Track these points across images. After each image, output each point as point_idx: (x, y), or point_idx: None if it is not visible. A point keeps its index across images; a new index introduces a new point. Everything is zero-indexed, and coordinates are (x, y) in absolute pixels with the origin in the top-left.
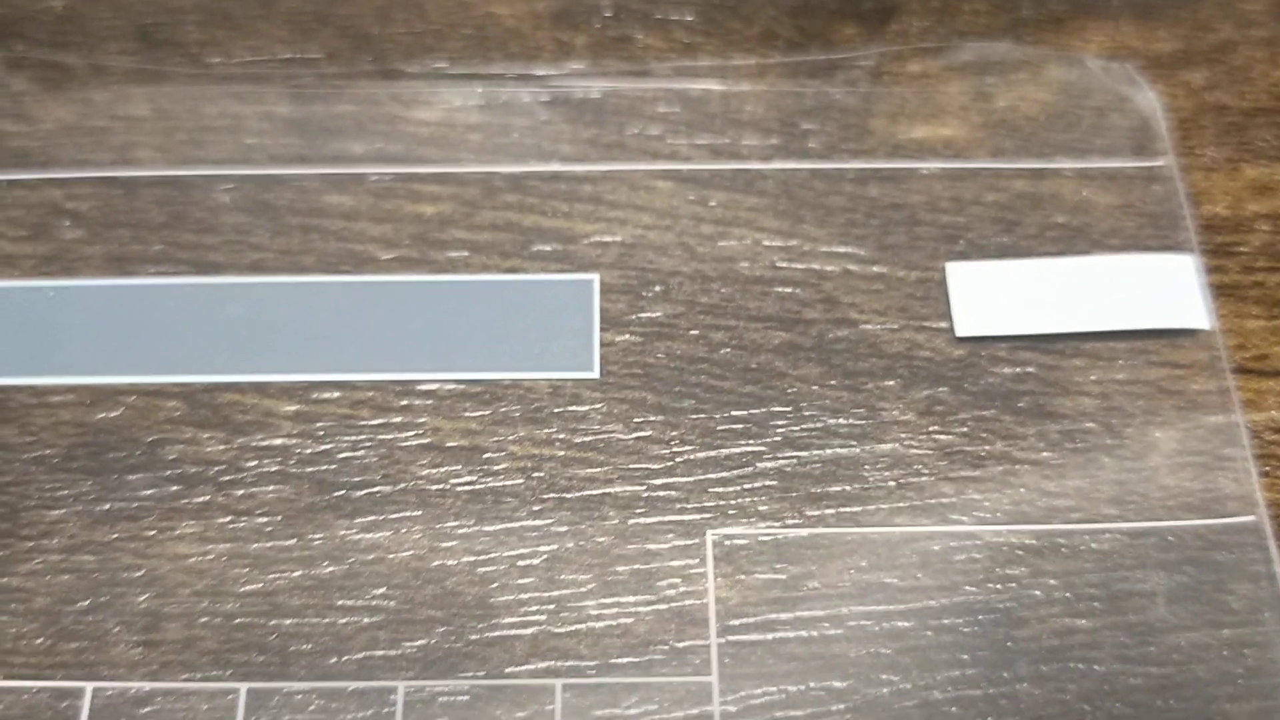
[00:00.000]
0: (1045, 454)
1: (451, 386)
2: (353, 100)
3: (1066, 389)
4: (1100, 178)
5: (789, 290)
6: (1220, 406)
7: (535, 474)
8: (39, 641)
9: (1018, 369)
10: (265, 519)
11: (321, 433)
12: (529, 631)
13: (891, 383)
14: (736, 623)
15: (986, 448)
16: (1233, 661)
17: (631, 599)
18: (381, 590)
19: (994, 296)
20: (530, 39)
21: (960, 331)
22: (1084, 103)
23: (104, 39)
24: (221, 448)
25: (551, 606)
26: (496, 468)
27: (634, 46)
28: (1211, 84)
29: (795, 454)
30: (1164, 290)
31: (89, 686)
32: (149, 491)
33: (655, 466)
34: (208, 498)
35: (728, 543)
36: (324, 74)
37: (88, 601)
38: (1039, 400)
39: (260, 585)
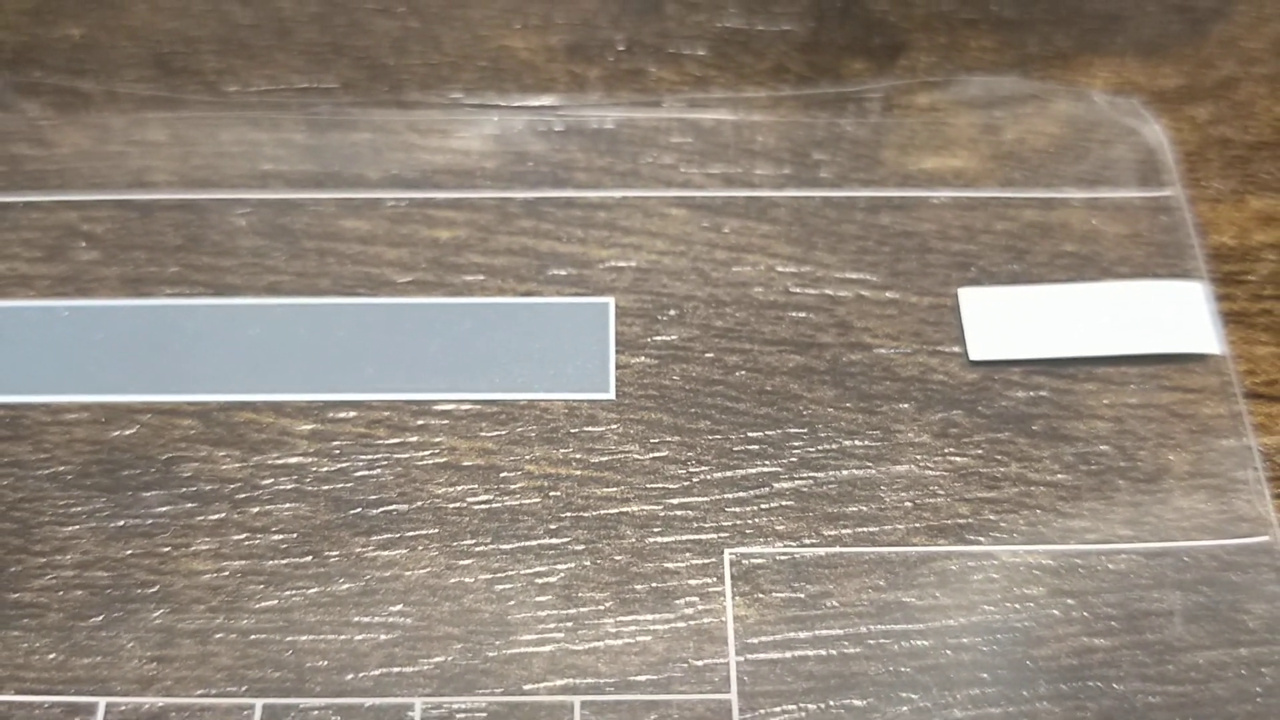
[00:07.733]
0: (1060, 476)
1: (468, 407)
2: (369, 128)
3: (1080, 412)
4: (1109, 208)
5: (803, 315)
6: (1232, 430)
7: (552, 493)
8: (51, 657)
9: (1031, 393)
10: (281, 536)
11: (338, 451)
12: (547, 649)
13: (906, 405)
14: (755, 641)
15: (1002, 469)
16: (1250, 680)
17: (650, 617)
18: (398, 607)
19: (1007, 321)
20: (544, 71)
21: (974, 355)
22: (1091, 136)
23: (121, 67)
24: (237, 465)
25: (569, 624)
26: (513, 486)
27: (647, 79)
28: (1216, 119)
29: (811, 475)
30: (1175, 316)
31: (102, 702)
32: (164, 509)
33: (672, 486)
34: (223, 515)
35: (745, 562)
36: (340, 103)
37: (101, 617)
38: (1053, 423)
39: (276, 602)
